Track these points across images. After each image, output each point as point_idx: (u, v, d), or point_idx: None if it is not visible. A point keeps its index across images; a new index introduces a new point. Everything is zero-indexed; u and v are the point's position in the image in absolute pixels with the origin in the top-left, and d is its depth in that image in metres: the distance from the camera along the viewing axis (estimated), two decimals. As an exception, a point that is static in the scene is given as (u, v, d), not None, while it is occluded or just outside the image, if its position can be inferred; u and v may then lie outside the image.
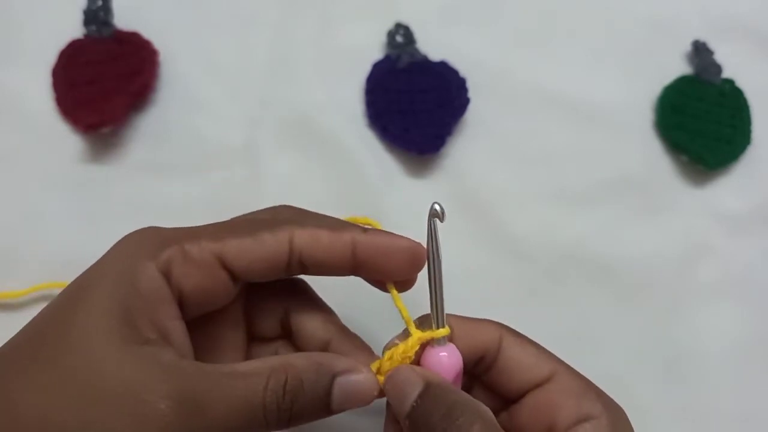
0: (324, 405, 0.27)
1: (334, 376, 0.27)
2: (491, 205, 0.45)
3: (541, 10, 0.51)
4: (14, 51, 0.46)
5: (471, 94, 0.46)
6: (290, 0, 0.49)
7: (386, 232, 0.30)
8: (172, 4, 0.48)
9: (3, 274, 0.40)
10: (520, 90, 0.48)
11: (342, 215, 0.32)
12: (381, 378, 0.28)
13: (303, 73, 0.47)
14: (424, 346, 0.28)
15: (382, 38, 0.48)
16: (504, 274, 0.44)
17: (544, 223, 0.45)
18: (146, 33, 0.46)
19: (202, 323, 0.30)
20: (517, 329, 0.30)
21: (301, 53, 0.48)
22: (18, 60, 0.46)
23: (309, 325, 0.31)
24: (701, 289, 0.44)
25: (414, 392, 0.26)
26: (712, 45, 0.50)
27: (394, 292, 0.30)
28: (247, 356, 0.32)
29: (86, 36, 0.46)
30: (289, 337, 0.32)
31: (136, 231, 0.29)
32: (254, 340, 0.32)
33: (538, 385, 0.29)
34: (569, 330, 0.42)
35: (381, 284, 0.30)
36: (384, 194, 0.45)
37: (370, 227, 0.30)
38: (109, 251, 0.28)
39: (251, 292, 0.31)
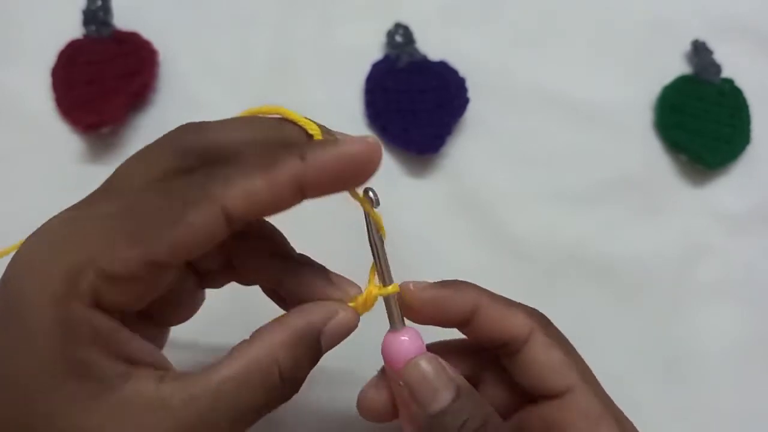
0: (317, 357, 0.26)
1: (320, 335, 0.26)
2: (491, 205, 0.45)
3: (541, 10, 0.51)
4: (14, 51, 0.46)
5: (471, 94, 0.46)
6: (290, 0, 0.49)
7: (326, 142, 0.25)
8: (172, 4, 0.48)
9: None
10: (520, 90, 0.48)
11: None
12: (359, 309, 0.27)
13: (303, 73, 0.47)
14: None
15: (382, 38, 0.48)
16: (504, 274, 0.44)
17: (544, 223, 0.45)
18: (146, 33, 0.46)
19: None
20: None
21: (301, 53, 0.48)
22: (18, 60, 0.46)
23: (253, 261, 0.29)
24: (701, 289, 0.44)
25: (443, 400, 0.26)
26: (712, 45, 0.50)
27: (357, 195, 0.27)
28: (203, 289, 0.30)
29: (85, 36, 0.46)
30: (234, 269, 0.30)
31: (22, 252, 0.23)
32: (203, 276, 0.30)
33: (554, 396, 0.28)
34: (569, 330, 0.42)
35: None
36: (383, 194, 0.44)
37: (306, 139, 0.26)
38: (10, 297, 0.23)
39: None
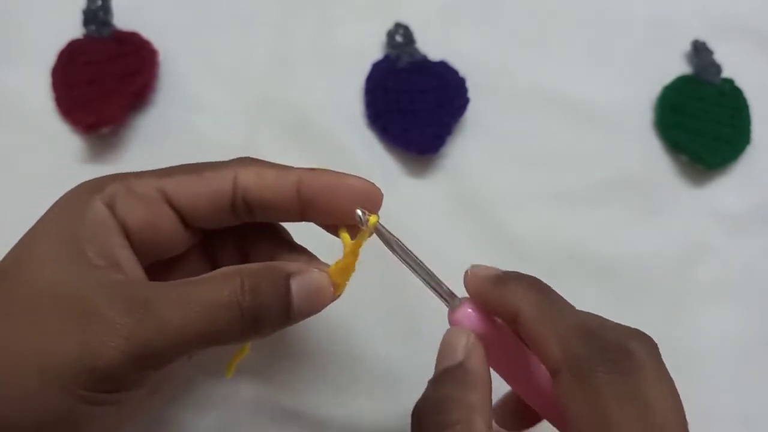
0: (285, 306, 0.27)
1: (288, 276, 0.27)
2: (491, 205, 0.45)
3: (541, 10, 0.51)
4: (14, 51, 0.46)
5: (471, 94, 0.46)
6: (290, 0, 0.49)
7: (337, 172, 0.30)
8: (172, 4, 0.48)
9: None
10: (520, 90, 0.48)
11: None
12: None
13: (303, 73, 0.47)
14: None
15: (382, 38, 0.48)
16: (504, 274, 0.44)
17: (544, 223, 0.45)
18: (146, 33, 0.46)
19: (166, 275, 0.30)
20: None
21: (301, 53, 0.48)
22: (18, 60, 0.46)
23: (259, 246, 0.32)
24: (701, 289, 0.44)
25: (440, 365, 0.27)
26: (712, 45, 0.50)
27: (345, 236, 0.29)
28: None
29: (86, 36, 0.46)
30: None
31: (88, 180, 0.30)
32: None
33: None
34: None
35: (334, 230, 0.30)
36: (384, 194, 0.45)
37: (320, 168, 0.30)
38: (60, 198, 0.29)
39: (209, 240, 0.31)
